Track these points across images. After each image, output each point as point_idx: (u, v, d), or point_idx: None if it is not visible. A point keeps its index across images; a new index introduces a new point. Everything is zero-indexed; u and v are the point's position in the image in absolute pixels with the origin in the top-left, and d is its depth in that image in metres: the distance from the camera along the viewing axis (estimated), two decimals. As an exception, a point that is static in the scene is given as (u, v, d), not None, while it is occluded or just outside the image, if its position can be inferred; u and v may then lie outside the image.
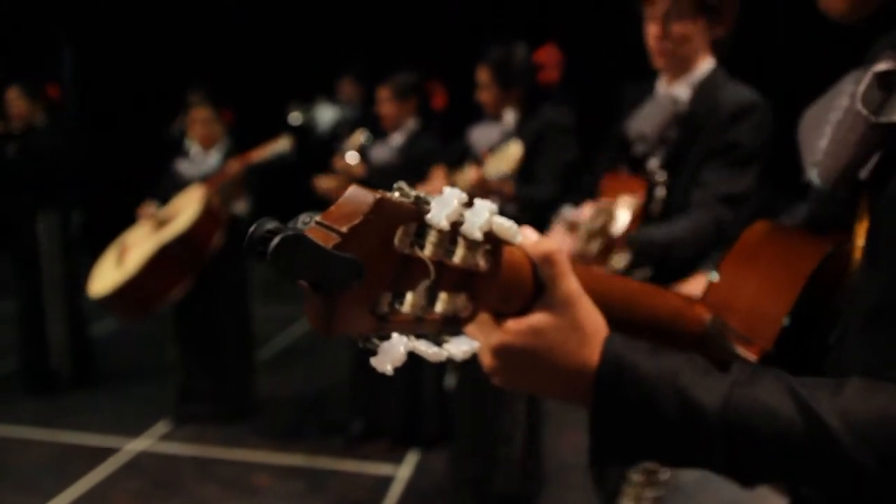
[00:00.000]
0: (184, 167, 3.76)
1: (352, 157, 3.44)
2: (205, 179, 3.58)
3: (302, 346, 5.22)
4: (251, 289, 3.95)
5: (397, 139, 3.46)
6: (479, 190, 2.64)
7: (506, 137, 2.77)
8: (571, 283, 0.63)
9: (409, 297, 0.52)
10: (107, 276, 3.41)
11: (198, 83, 4.80)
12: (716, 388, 0.61)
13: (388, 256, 0.48)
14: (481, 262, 0.55)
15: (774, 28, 5.07)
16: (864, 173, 0.70)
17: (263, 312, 4.87)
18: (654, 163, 1.85)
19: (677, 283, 1.14)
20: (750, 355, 0.76)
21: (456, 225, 0.51)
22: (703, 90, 1.81)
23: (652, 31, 1.83)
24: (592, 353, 0.63)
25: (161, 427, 3.71)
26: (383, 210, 0.47)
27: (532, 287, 0.62)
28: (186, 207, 3.46)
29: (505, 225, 0.55)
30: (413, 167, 3.16)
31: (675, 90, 1.86)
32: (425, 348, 0.54)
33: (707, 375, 0.62)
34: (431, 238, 0.51)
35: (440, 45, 5.98)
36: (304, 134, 5.10)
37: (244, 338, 3.88)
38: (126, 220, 3.69)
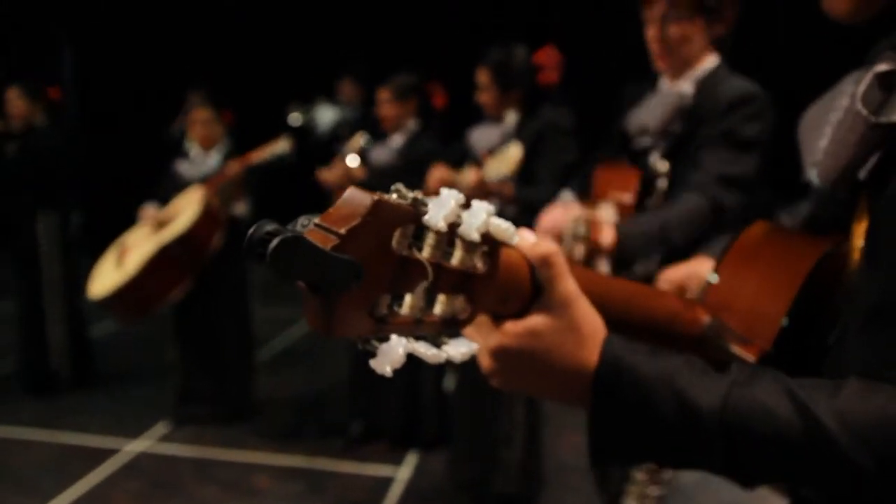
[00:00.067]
0: (184, 168, 3.76)
1: (352, 160, 3.44)
2: (205, 180, 3.58)
3: (301, 347, 5.22)
4: (251, 290, 3.95)
5: (397, 140, 3.46)
6: (479, 192, 2.64)
7: (506, 139, 2.77)
8: (569, 285, 0.63)
9: (407, 298, 0.52)
10: (106, 277, 3.41)
11: (198, 84, 4.81)
12: (714, 389, 0.61)
13: (387, 258, 0.48)
14: (479, 264, 0.55)
15: (775, 28, 5.07)
16: (863, 173, 0.70)
17: (263, 313, 4.87)
18: (655, 156, 1.85)
19: (677, 264, 1.13)
20: (749, 356, 0.76)
21: (453, 226, 0.51)
22: (706, 85, 1.82)
23: (651, 33, 1.83)
24: (591, 354, 0.63)
25: (160, 428, 3.71)
26: (381, 212, 0.47)
27: (530, 289, 0.62)
28: (186, 208, 3.46)
29: (502, 226, 0.55)
30: (413, 168, 3.16)
31: (679, 86, 1.86)
32: (424, 350, 0.54)
33: (705, 376, 0.62)
34: (429, 240, 0.51)
35: (440, 46, 5.98)
36: (303, 135, 5.11)
37: (244, 339, 3.87)
38: (126, 220, 3.70)
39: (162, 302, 3.39)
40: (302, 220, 0.48)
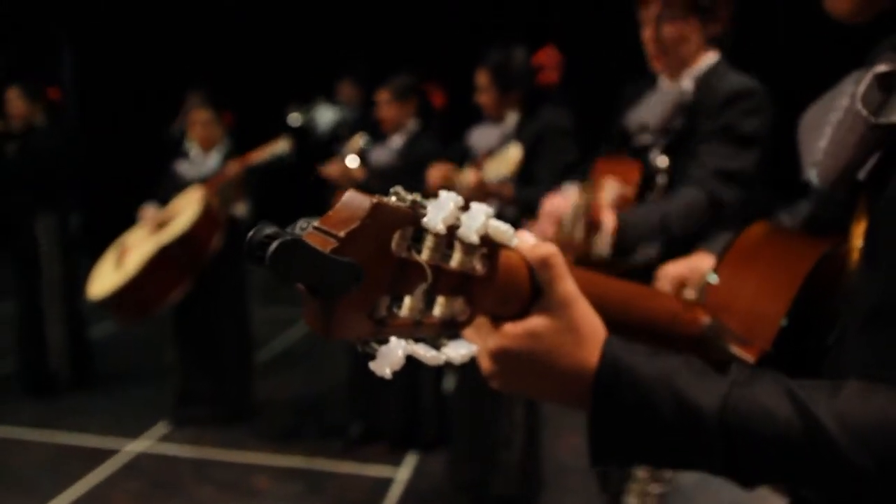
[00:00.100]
0: (183, 168, 3.76)
1: (351, 161, 3.43)
2: (204, 181, 3.58)
3: (301, 348, 5.21)
4: (250, 291, 3.95)
5: (397, 141, 3.46)
6: (479, 193, 2.64)
7: (505, 140, 2.77)
8: (569, 286, 0.63)
9: (406, 300, 0.52)
10: (106, 278, 3.41)
11: (198, 84, 4.81)
12: (714, 389, 0.61)
13: (386, 260, 0.48)
14: (478, 266, 0.55)
15: (775, 27, 5.07)
16: (862, 174, 0.70)
17: (262, 314, 4.88)
18: (656, 153, 1.85)
19: (678, 259, 1.13)
20: (748, 356, 0.76)
21: (452, 228, 0.52)
22: (706, 81, 1.82)
23: (647, 34, 1.84)
24: (591, 355, 0.63)
25: (160, 429, 3.71)
26: (380, 215, 0.47)
27: (529, 290, 0.62)
28: (186, 209, 3.46)
29: (501, 228, 0.55)
30: (413, 169, 3.16)
31: (679, 83, 1.86)
32: (423, 352, 0.54)
33: (705, 377, 0.62)
34: (428, 242, 0.51)
35: (440, 47, 5.98)
36: (303, 135, 5.10)
37: (243, 340, 3.87)
38: (125, 221, 3.70)
39: (161, 303, 3.39)
40: (301, 222, 0.48)
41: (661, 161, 1.83)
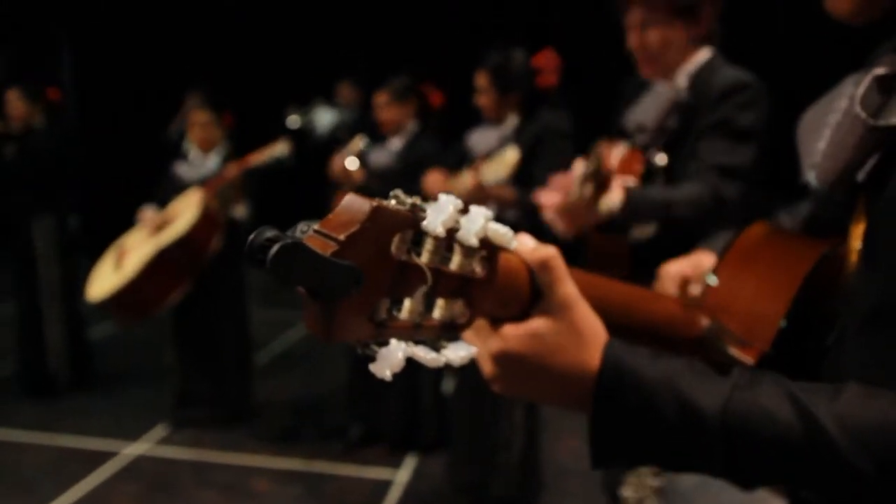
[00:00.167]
0: (182, 170, 3.76)
1: (351, 163, 3.43)
2: (203, 183, 3.58)
3: (300, 350, 5.21)
4: (249, 293, 3.95)
5: (396, 143, 3.46)
6: (477, 196, 2.64)
7: (504, 142, 2.77)
8: (569, 288, 0.63)
9: (406, 303, 0.52)
10: (105, 280, 3.41)
11: (197, 86, 4.82)
12: (715, 391, 0.61)
13: (386, 263, 0.48)
14: (478, 269, 0.56)
15: (775, 28, 5.08)
16: (861, 176, 0.70)
17: (262, 316, 4.87)
18: (653, 152, 1.86)
19: (678, 257, 1.13)
20: (748, 358, 0.76)
21: (452, 231, 0.52)
22: (700, 77, 1.82)
23: (632, 40, 1.84)
24: (592, 357, 0.64)
25: (159, 431, 3.71)
26: (380, 218, 0.47)
27: (529, 293, 0.62)
28: (185, 211, 3.46)
29: (500, 231, 0.55)
30: (412, 171, 3.16)
31: (673, 82, 1.86)
32: (423, 354, 0.54)
33: (706, 379, 0.63)
34: (428, 245, 0.51)
35: (439, 49, 5.99)
36: (302, 137, 5.11)
37: (242, 342, 3.87)
38: (124, 222, 3.69)
39: (161, 305, 3.39)
40: (301, 226, 0.48)
41: (661, 159, 1.83)
